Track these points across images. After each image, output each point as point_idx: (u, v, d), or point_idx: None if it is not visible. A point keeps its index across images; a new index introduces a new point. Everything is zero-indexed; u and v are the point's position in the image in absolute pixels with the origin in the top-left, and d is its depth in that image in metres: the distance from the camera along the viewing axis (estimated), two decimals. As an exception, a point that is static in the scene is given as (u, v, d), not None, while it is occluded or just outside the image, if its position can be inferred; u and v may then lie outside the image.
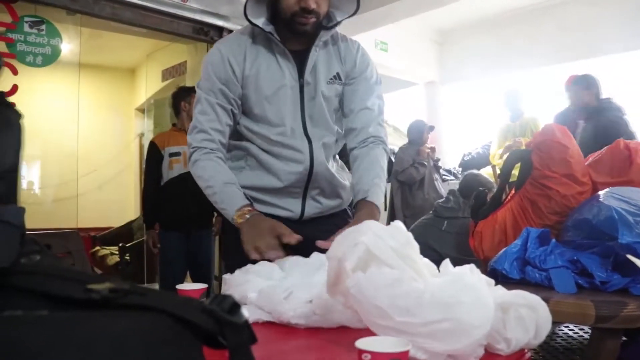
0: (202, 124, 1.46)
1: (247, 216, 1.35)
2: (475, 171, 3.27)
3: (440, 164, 5.14)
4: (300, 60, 1.49)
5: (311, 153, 1.48)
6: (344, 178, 1.62)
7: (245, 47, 1.48)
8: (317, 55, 1.51)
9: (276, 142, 1.47)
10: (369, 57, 1.63)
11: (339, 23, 1.53)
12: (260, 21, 1.42)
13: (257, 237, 1.29)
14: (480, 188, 3.04)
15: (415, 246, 0.97)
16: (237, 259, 1.40)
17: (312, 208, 1.56)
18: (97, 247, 5.87)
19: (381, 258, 0.91)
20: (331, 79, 1.53)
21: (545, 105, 5.38)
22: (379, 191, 1.47)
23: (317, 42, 1.49)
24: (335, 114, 1.58)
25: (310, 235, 1.32)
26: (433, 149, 4.98)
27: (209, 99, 1.46)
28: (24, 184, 2.80)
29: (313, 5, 1.39)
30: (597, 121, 3.66)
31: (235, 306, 0.53)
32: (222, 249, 2.26)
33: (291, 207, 1.53)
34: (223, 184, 1.41)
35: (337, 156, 1.65)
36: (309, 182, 1.52)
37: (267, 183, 1.49)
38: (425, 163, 4.77)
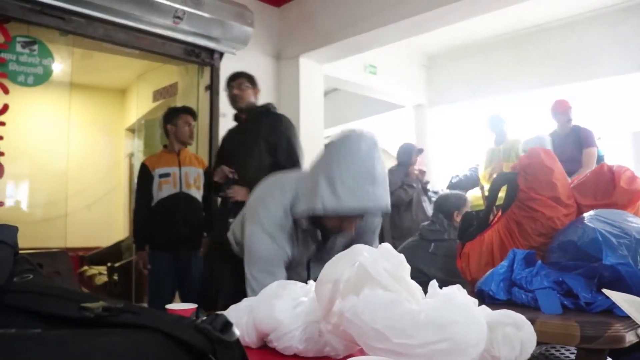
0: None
1: None
2: (443, 192, 3.34)
3: (429, 186, 5.17)
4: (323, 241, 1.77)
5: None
6: None
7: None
8: (336, 239, 1.79)
9: None
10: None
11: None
12: (305, 214, 1.63)
13: None
14: (455, 208, 3.10)
15: (407, 268, 0.98)
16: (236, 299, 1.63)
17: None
18: (85, 267, 5.80)
19: (377, 279, 0.91)
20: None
21: (531, 128, 5.46)
22: None
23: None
24: None
25: None
26: (422, 172, 5.02)
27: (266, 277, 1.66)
28: (12, 202, 2.78)
29: (352, 231, 1.64)
30: None
31: (227, 325, 0.54)
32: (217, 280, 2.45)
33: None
34: None
35: None
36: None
37: None
38: (414, 185, 4.80)
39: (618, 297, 1.39)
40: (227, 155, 3.15)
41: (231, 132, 3.30)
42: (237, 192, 2.91)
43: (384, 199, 1.49)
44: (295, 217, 1.62)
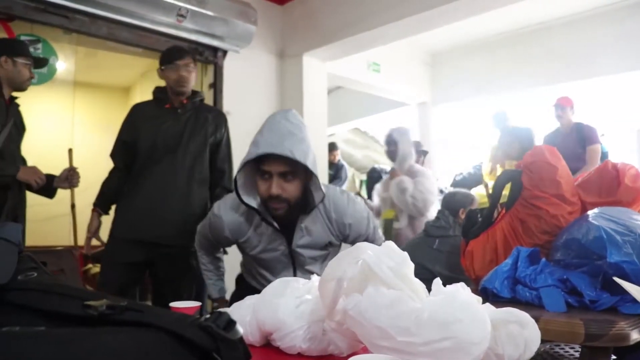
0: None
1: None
2: (451, 190, 3.38)
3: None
4: (289, 230, 1.83)
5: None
6: None
7: (245, 214, 1.86)
8: (303, 233, 1.83)
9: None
10: (361, 217, 1.91)
11: (315, 207, 1.80)
12: (251, 199, 1.77)
13: None
14: (461, 205, 3.13)
15: (411, 265, 0.98)
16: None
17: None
18: (90, 265, 5.81)
19: (381, 277, 0.91)
20: (322, 248, 1.89)
21: (534, 125, 5.45)
22: None
23: (300, 224, 1.81)
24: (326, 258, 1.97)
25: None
26: None
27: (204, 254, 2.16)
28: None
29: (276, 191, 1.68)
30: None
31: (230, 323, 0.54)
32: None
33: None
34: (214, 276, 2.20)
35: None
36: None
37: None
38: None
39: (632, 288, 1.38)
40: (157, 148, 2.69)
41: (162, 121, 2.72)
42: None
43: (287, 147, 1.62)
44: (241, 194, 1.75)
